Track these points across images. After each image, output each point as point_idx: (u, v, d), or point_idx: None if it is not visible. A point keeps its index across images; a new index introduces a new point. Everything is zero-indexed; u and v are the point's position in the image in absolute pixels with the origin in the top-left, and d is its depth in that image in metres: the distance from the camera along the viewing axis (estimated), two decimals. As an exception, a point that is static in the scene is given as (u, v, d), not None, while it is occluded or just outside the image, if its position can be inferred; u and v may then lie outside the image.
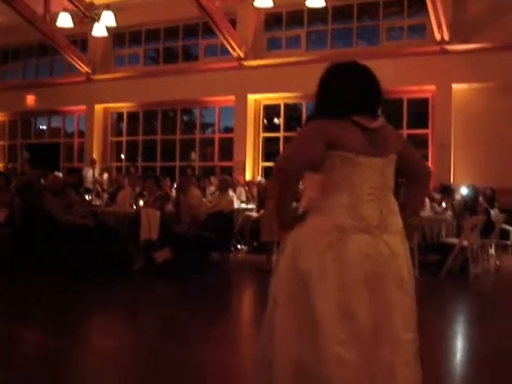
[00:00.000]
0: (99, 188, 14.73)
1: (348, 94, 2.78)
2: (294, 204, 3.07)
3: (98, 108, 19.81)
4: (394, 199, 2.83)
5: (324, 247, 2.63)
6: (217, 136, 18.60)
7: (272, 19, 17.63)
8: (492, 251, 10.75)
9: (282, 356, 2.66)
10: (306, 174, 2.94)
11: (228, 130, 18.59)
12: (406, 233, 2.87)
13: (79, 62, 19.11)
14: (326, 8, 14.72)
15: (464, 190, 10.77)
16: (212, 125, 19.25)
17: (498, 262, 10.60)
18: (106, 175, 17.47)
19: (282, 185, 2.80)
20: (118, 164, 20.15)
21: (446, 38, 14.44)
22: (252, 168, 17.21)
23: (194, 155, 19.41)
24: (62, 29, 15.40)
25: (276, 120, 17.85)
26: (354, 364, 2.56)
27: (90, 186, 15.46)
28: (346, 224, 2.64)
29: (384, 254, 2.66)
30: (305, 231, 2.73)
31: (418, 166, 2.99)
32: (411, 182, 3.02)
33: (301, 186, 3.07)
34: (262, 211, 10.78)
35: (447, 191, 12.13)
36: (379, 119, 2.79)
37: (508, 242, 12.23)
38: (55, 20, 14.10)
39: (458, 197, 12.39)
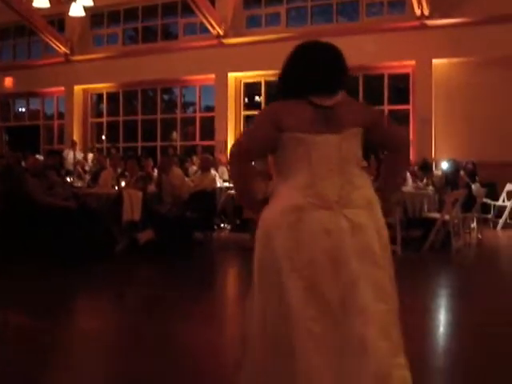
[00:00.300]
0: (80, 169, 14.64)
1: (304, 74, 2.82)
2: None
3: (78, 89, 19.62)
4: (361, 173, 2.82)
5: (286, 229, 2.64)
6: (198, 115, 18.51)
7: (251, -4, 17.51)
8: (473, 225, 10.85)
9: (258, 331, 2.70)
10: (270, 158, 2.89)
11: (209, 108, 18.50)
12: (386, 207, 2.87)
13: (57, 43, 18.89)
14: (305, -16, 14.65)
15: (445, 165, 10.82)
16: (193, 104, 19.16)
17: (479, 236, 10.71)
18: (91, 155, 17.35)
19: (234, 168, 2.92)
20: (99, 145, 20.02)
21: (426, 13, 14.42)
22: (234, 147, 17.13)
23: (175, 135, 19.34)
24: (38, 9, 15.23)
25: (257, 98, 17.79)
26: (324, 337, 2.56)
27: (70, 167, 15.36)
28: (305, 203, 2.65)
29: (345, 228, 2.63)
30: (268, 216, 2.75)
31: (392, 137, 2.95)
32: (389, 153, 3.02)
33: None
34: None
35: (426, 167, 12.22)
36: (336, 96, 2.79)
37: (489, 216, 12.36)
38: (32, 0, 13.90)
39: (439, 172, 12.49)
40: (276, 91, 2.99)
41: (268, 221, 2.74)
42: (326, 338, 2.57)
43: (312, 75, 2.81)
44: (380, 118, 2.96)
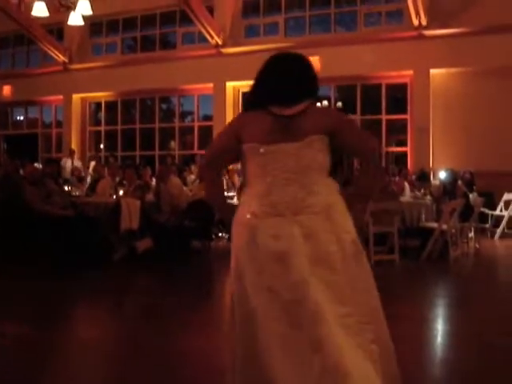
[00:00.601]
0: (74, 178, 14.57)
1: (265, 85, 2.93)
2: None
3: (76, 98, 19.63)
4: (324, 179, 2.88)
5: (246, 237, 2.79)
6: (196, 124, 18.53)
7: (249, 6, 17.54)
8: (471, 235, 10.86)
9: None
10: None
11: (207, 117, 18.53)
12: (352, 215, 2.92)
13: (56, 52, 18.92)
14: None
15: (442, 175, 10.84)
16: (191, 113, 19.18)
17: (477, 246, 10.71)
18: (92, 163, 17.30)
19: (203, 175, 3.18)
20: (97, 154, 20.01)
21: (424, 23, 14.47)
22: (232, 156, 17.14)
23: (173, 144, 19.35)
24: (37, 18, 15.23)
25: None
26: (288, 336, 2.65)
27: (68, 176, 15.34)
28: (259, 211, 2.79)
29: (295, 234, 2.73)
30: (234, 224, 2.91)
31: (359, 144, 2.95)
32: (361, 161, 3.07)
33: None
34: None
35: (423, 177, 12.25)
36: (298, 105, 2.84)
37: (487, 226, 12.37)
38: (30, 9, 13.92)
39: (436, 182, 12.50)
40: (245, 103, 3.14)
41: (233, 228, 2.90)
42: (289, 337, 2.65)
43: (272, 86, 2.90)
44: (344, 124, 2.97)
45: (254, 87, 2.99)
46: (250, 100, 3.01)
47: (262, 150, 2.81)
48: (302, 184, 2.80)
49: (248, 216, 2.82)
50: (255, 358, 2.70)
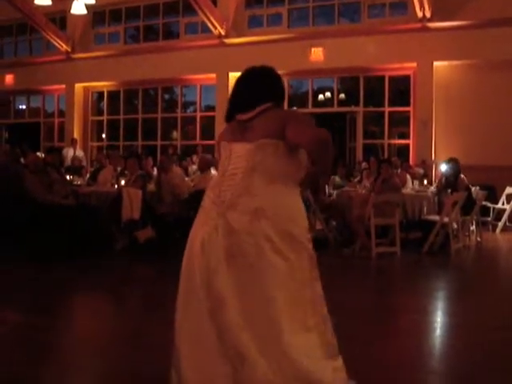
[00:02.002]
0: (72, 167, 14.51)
1: (230, 98, 3.32)
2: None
3: (78, 87, 19.61)
4: (264, 185, 2.99)
5: (195, 223, 3.21)
6: (198, 114, 18.50)
7: (253, -4, 17.51)
8: (473, 228, 10.85)
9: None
10: None
11: (209, 108, 18.49)
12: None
13: (58, 41, 18.88)
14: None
15: (444, 167, 10.82)
16: (193, 103, 19.14)
17: (478, 239, 10.70)
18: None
19: None
20: (99, 143, 20.03)
21: (428, 15, 14.41)
22: (234, 147, 17.13)
23: (175, 134, 19.33)
24: (40, 7, 15.21)
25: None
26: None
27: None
28: (207, 197, 3.13)
29: (220, 226, 2.97)
30: None
31: (297, 139, 2.99)
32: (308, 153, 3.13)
33: None
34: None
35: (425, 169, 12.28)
36: (253, 111, 3.11)
37: (488, 219, 12.36)
38: (33, -3, 13.91)
39: (438, 174, 12.50)
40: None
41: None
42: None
43: (232, 98, 3.30)
44: (290, 119, 3.06)
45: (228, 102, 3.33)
46: (226, 114, 3.32)
47: (227, 146, 3.15)
48: (244, 183, 2.99)
49: (200, 207, 3.16)
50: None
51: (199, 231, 3.09)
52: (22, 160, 11.45)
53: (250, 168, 3.01)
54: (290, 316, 2.91)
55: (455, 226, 9.63)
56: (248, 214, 2.93)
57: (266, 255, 2.91)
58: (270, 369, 2.80)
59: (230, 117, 3.27)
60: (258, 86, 3.27)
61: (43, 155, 11.68)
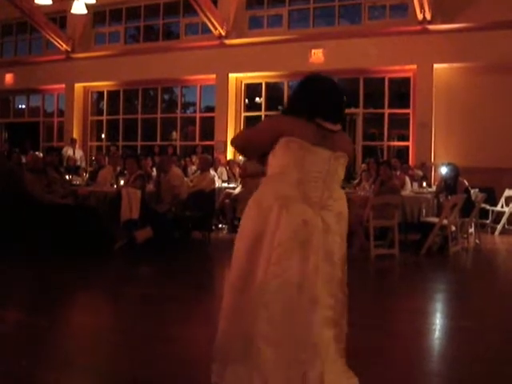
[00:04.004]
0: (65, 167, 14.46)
1: (317, 102, 3.31)
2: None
3: (78, 87, 19.61)
4: (340, 190, 3.39)
5: (275, 212, 3.13)
6: (198, 115, 18.49)
7: (254, -3, 17.52)
8: (471, 230, 10.85)
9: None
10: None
11: (209, 109, 18.49)
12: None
13: (58, 40, 18.88)
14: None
15: (443, 170, 10.82)
16: (193, 104, 19.14)
17: (477, 241, 10.70)
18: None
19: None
20: (99, 143, 20.02)
21: (428, 17, 14.42)
22: (233, 147, 17.13)
23: (175, 134, 19.33)
24: (40, 6, 15.22)
25: (257, 99, 17.79)
26: (279, 312, 3.06)
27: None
28: (291, 194, 3.17)
29: (318, 226, 3.15)
30: (261, 196, 3.27)
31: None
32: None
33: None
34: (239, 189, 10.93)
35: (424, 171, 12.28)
36: (336, 125, 3.31)
37: (487, 222, 12.36)
38: (34, -3, 13.92)
39: (437, 176, 12.50)
40: (284, 110, 3.45)
41: (263, 203, 3.21)
42: (280, 313, 3.07)
43: (326, 105, 3.30)
44: (351, 153, 3.50)
45: (304, 99, 3.34)
46: (297, 107, 3.33)
47: (306, 146, 3.19)
48: (328, 186, 3.24)
49: (277, 196, 3.16)
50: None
51: (295, 230, 3.12)
52: (24, 159, 11.45)
53: (331, 174, 3.26)
54: None
55: (454, 228, 9.63)
56: (335, 215, 3.24)
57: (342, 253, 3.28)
58: None
59: (304, 114, 3.28)
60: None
61: (41, 155, 11.68)
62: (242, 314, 3.18)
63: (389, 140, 16.15)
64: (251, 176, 9.79)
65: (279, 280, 3.06)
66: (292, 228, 3.11)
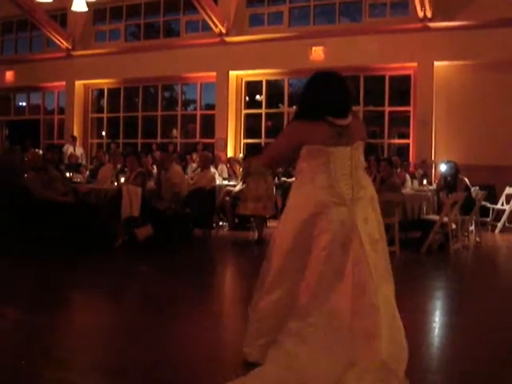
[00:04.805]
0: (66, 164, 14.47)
1: (324, 99, 3.63)
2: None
3: (79, 84, 19.61)
4: (365, 174, 3.78)
5: (309, 217, 3.56)
6: (198, 112, 18.49)
7: (254, -5, 17.50)
8: (472, 228, 10.85)
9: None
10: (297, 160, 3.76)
11: (210, 106, 18.49)
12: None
13: (59, 38, 18.87)
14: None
15: (444, 167, 10.82)
16: (194, 101, 19.14)
17: (477, 239, 10.70)
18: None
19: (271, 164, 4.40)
20: (99, 141, 20.02)
21: (429, 15, 14.41)
22: (234, 145, 17.17)
23: (175, 132, 19.33)
24: (40, 3, 15.21)
25: (258, 97, 17.78)
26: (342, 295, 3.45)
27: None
28: (327, 200, 3.53)
29: (359, 220, 3.53)
30: (299, 201, 3.66)
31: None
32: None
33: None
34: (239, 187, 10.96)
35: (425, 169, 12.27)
36: (347, 118, 3.64)
37: (488, 219, 12.35)
38: (34, -6, 13.91)
39: (438, 174, 12.50)
40: (296, 111, 3.84)
41: (303, 209, 3.60)
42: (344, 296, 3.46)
43: (331, 101, 3.62)
44: (365, 136, 3.86)
45: (312, 99, 3.69)
46: (307, 109, 3.69)
47: (327, 151, 3.55)
48: (355, 179, 3.59)
49: (316, 203, 3.55)
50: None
51: (336, 231, 3.51)
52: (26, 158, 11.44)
53: (355, 166, 3.62)
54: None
55: (454, 226, 9.63)
56: (368, 203, 3.64)
57: (383, 231, 3.77)
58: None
59: (315, 115, 3.61)
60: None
61: (42, 152, 11.69)
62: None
63: (389, 138, 16.15)
64: (254, 173, 9.80)
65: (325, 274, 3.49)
66: (332, 231, 3.49)
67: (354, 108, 3.90)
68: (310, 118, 3.63)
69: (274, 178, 11.18)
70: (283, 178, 12.51)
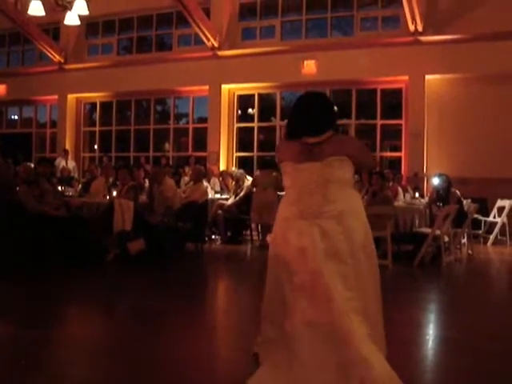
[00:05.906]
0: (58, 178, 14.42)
1: (296, 122, 3.90)
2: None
3: (71, 98, 19.59)
4: (342, 189, 3.75)
5: (279, 231, 3.81)
6: (191, 126, 18.49)
7: (246, 9, 17.55)
8: (464, 241, 10.87)
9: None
10: None
11: (202, 120, 18.50)
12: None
13: (51, 51, 18.88)
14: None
15: (436, 180, 10.84)
16: (186, 115, 19.15)
17: (470, 252, 10.72)
18: None
19: None
20: (92, 154, 19.99)
21: (420, 28, 14.50)
22: (226, 158, 17.18)
23: (167, 145, 19.32)
24: (33, 17, 15.19)
25: (250, 110, 17.81)
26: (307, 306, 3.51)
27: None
28: (290, 214, 3.75)
29: (315, 233, 3.59)
30: (278, 214, 3.90)
31: (363, 164, 4.12)
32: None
33: None
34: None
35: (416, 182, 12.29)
36: (321, 136, 3.74)
37: (480, 232, 12.38)
38: (26, 8, 13.89)
39: (430, 187, 12.52)
40: (284, 133, 4.09)
41: (274, 225, 3.89)
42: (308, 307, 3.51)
43: (301, 123, 3.85)
44: (356, 152, 3.82)
45: (290, 122, 3.97)
46: (288, 132, 3.93)
47: (294, 167, 3.77)
48: (322, 194, 3.67)
49: (282, 218, 3.81)
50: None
51: (293, 243, 3.65)
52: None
53: (327, 180, 3.69)
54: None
55: (447, 238, 9.64)
56: (333, 218, 3.63)
57: (362, 248, 3.70)
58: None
59: (293, 136, 3.85)
60: (327, 114, 3.86)
61: (33, 166, 11.66)
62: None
63: (381, 151, 16.17)
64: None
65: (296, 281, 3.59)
66: (293, 240, 3.64)
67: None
68: (289, 138, 3.92)
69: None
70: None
